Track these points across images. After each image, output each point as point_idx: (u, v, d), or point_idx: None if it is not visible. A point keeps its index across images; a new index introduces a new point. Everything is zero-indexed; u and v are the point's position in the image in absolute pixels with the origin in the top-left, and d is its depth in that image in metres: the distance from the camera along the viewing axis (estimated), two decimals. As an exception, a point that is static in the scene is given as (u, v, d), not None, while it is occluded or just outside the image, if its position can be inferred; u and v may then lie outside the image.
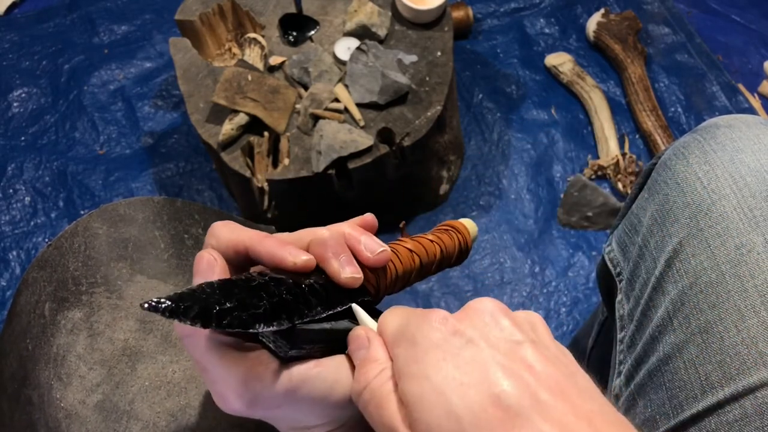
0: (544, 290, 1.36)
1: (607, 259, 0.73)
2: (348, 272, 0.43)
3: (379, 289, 0.47)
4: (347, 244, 0.46)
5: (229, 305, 0.36)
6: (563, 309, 1.34)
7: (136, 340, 0.59)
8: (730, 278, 0.54)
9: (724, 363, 0.53)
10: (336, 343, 0.42)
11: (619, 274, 0.70)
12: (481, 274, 1.38)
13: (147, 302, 0.34)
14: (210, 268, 0.41)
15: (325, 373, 0.40)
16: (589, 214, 1.42)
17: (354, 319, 0.44)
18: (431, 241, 0.53)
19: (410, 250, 0.50)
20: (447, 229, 0.56)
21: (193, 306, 0.35)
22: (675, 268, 0.59)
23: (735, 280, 0.54)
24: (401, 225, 0.65)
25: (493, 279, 1.38)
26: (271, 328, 0.37)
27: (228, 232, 0.44)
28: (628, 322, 0.66)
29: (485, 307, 0.39)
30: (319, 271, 0.44)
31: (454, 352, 0.36)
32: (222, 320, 0.35)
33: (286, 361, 0.40)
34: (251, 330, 0.37)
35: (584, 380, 0.37)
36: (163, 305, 0.34)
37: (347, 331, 0.42)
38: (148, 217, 0.67)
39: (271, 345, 0.40)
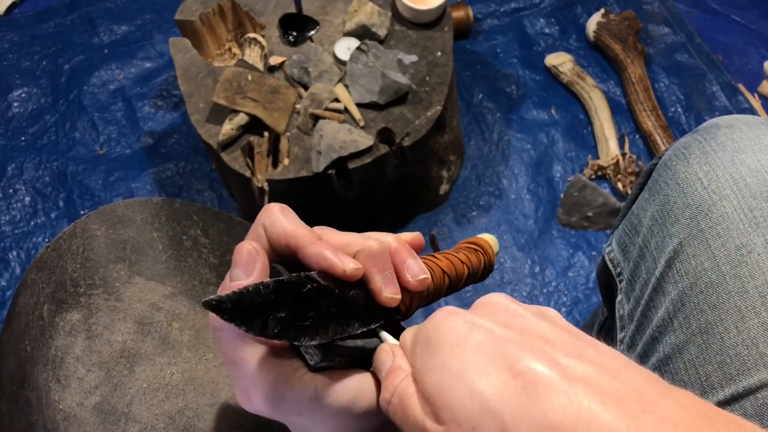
0: (544, 290, 1.36)
1: (607, 259, 0.73)
2: (389, 292, 0.43)
3: (410, 308, 0.47)
4: (392, 261, 0.45)
5: (281, 315, 0.36)
6: (563, 309, 1.34)
7: (134, 342, 0.59)
8: (730, 279, 0.54)
9: (725, 364, 0.52)
10: (362, 359, 0.43)
11: (619, 274, 0.70)
12: (481, 274, 1.38)
13: (209, 301, 0.34)
14: (251, 261, 0.41)
15: (350, 385, 0.41)
16: (589, 214, 1.42)
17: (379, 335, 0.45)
18: (462, 262, 0.53)
19: (443, 271, 0.51)
20: (475, 249, 0.56)
21: (251, 313, 0.35)
22: (675, 269, 0.58)
23: (735, 281, 0.54)
24: (433, 233, 0.66)
25: (493, 279, 1.38)
26: (313, 342, 0.38)
27: (284, 221, 0.43)
28: (628, 322, 0.66)
29: (494, 299, 0.39)
30: (360, 280, 0.44)
31: (467, 337, 0.36)
32: (274, 329, 0.36)
33: (314, 370, 0.40)
34: (295, 342, 0.37)
35: (602, 345, 0.36)
36: (224, 307, 0.34)
37: (374, 348, 0.43)
38: (147, 219, 0.67)
39: (303, 351, 0.40)
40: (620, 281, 0.70)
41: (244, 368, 0.40)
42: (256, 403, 0.40)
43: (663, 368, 0.58)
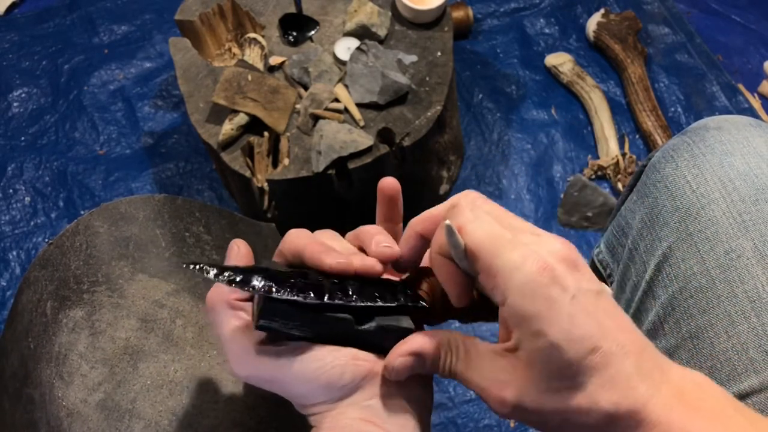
0: (545, 290, 1.36)
1: (596, 260, 0.73)
2: (333, 259, 0.46)
3: (434, 298, 0.47)
4: (361, 238, 0.50)
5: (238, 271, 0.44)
6: (563, 309, 1.34)
7: (138, 338, 0.59)
8: (719, 283, 0.54)
9: (715, 369, 0.52)
10: (338, 336, 0.45)
11: (609, 275, 0.70)
12: (482, 274, 1.38)
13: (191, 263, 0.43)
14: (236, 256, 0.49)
15: (310, 356, 0.44)
16: (589, 214, 1.42)
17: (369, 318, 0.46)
18: None
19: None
20: None
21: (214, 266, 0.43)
22: (665, 273, 0.58)
23: (725, 286, 0.53)
24: None
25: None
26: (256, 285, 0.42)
27: (293, 237, 0.48)
28: None
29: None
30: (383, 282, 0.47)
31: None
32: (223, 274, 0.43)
33: (264, 332, 0.44)
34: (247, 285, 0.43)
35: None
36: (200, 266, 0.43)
37: (343, 320, 0.45)
38: (149, 216, 0.67)
39: (257, 317, 0.44)
40: (611, 282, 0.70)
41: (225, 339, 0.46)
42: (234, 369, 0.46)
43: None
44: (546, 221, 1.43)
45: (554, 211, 1.45)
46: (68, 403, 0.55)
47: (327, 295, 0.43)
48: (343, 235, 0.52)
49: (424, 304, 0.47)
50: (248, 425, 0.57)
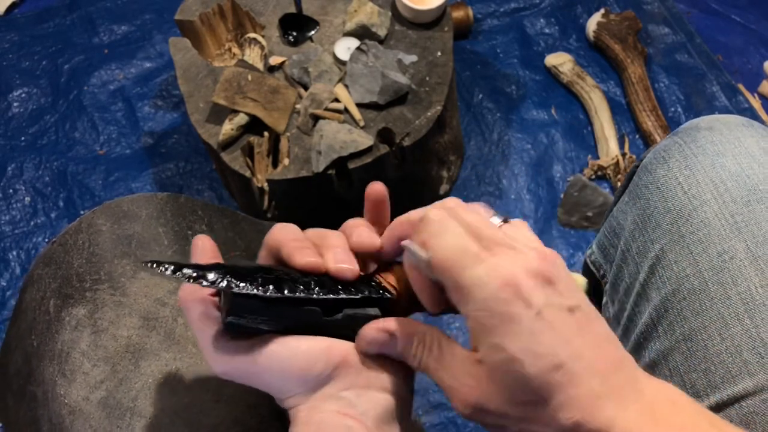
0: (545, 290, 1.36)
1: (588, 262, 0.73)
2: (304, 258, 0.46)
3: (399, 292, 0.48)
4: (345, 232, 0.50)
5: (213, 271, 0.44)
6: (563, 309, 1.34)
7: (140, 337, 0.59)
8: (712, 285, 0.54)
9: (709, 371, 0.52)
10: (307, 328, 0.45)
11: (603, 276, 0.70)
12: (482, 274, 1.38)
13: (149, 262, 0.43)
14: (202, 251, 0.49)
15: (282, 347, 0.44)
16: (589, 214, 1.42)
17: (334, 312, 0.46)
18: None
19: None
20: None
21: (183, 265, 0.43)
22: (658, 275, 0.58)
23: (718, 288, 0.53)
24: None
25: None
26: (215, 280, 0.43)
27: (275, 232, 0.48)
28: (615, 325, 0.66)
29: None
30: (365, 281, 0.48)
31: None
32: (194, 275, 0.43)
33: (231, 330, 0.45)
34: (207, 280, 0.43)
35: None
36: (162, 266, 0.43)
37: (311, 312, 0.45)
38: (152, 214, 0.67)
39: (223, 315, 0.45)
40: (605, 283, 0.70)
41: (199, 337, 0.46)
42: (212, 366, 0.46)
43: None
44: (546, 221, 1.43)
45: (554, 211, 1.45)
46: (70, 400, 0.55)
47: (287, 288, 0.44)
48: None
49: (389, 294, 0.47)
50: (249, 424, 0.57)
